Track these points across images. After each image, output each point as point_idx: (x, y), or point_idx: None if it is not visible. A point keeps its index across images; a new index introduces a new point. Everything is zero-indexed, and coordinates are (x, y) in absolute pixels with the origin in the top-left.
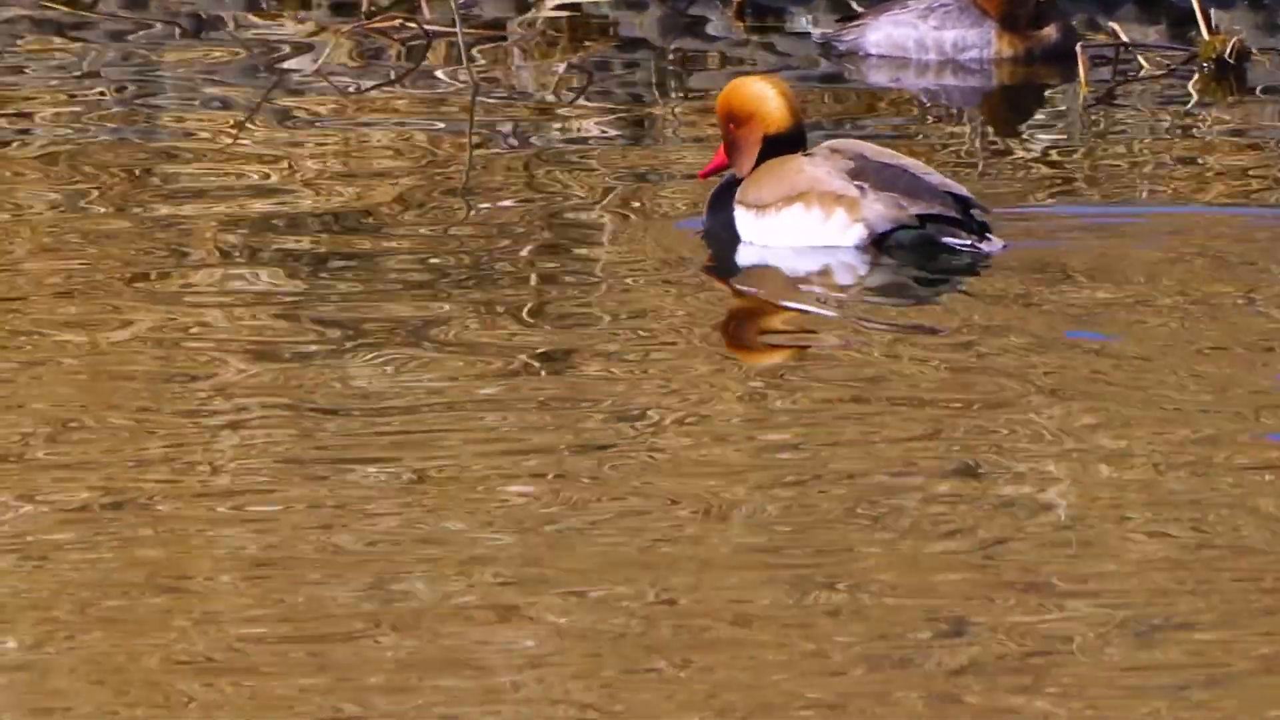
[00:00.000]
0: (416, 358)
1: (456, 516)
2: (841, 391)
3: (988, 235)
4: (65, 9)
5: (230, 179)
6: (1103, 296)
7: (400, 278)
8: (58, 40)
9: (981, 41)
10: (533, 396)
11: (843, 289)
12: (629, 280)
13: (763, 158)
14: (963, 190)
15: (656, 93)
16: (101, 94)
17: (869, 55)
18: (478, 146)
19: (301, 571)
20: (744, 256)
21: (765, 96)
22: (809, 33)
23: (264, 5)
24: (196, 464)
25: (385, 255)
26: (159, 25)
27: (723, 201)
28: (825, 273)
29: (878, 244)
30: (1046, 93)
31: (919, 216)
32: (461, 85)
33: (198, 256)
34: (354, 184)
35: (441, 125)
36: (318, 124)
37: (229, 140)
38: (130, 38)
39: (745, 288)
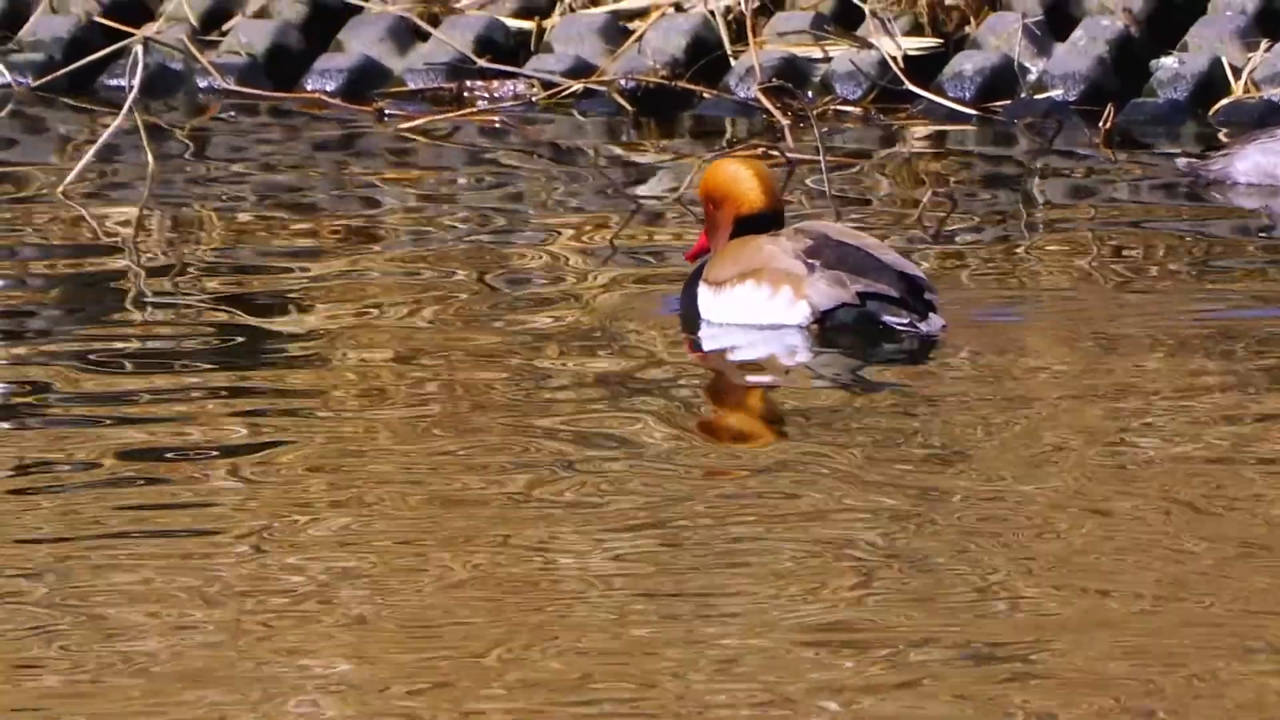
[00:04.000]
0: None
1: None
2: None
3: (930, 315)
4: (423, 139)
5: (588, 303)
6: None
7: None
8: (414, 171)
9: None
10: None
11: (776, 371)
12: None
13: (738, 238)
14: (915, 270)
15: (1023, 211)
16: (459, 220)
17: (1237, 183)
18: None
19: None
20: (703, 334)
21: (739, 178)
22: (1174, 155)
23: (624, 134)
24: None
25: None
26: (518, 153)
27: (695, 280)
28: (765, 353)
29: (820, 322)
30: None
31: (860, 294)
32: (824, 212)
33: (554, 380)
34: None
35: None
36: (673, 253)
37: (586, 269)
38: (487, 166)
39: (695, 367)
